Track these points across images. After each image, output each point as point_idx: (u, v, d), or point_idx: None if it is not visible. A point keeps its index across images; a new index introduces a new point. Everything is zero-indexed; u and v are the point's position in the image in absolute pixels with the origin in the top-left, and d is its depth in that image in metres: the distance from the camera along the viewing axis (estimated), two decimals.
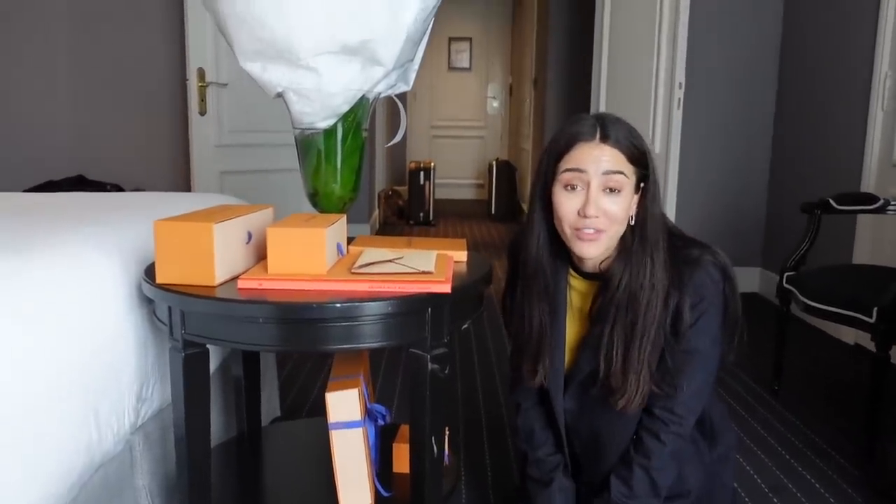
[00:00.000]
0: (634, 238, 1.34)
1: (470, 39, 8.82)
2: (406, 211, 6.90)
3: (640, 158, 1.33)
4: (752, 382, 2.74)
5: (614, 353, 1.33)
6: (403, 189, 7.07)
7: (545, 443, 1.55)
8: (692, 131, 3.82)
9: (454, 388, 2.67)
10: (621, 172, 1.30)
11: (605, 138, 1.30)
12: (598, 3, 4.32)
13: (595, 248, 1.32)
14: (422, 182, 6.76)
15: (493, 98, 9.00)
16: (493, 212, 7.23)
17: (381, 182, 6.79)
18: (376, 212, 6.35)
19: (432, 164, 6.92)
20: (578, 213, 1.30)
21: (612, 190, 1.30)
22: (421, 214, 6.78)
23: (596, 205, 1.29)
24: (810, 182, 3.65)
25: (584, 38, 4.79)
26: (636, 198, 1.35)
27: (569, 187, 1.31)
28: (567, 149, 1.32)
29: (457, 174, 8.88)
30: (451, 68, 8.87)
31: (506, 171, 7.23)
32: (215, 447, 1.64)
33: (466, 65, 8.87)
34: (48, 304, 1.16)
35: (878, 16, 3.12)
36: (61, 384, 1.13)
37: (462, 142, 8.97)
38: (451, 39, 8.78)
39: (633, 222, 1.35)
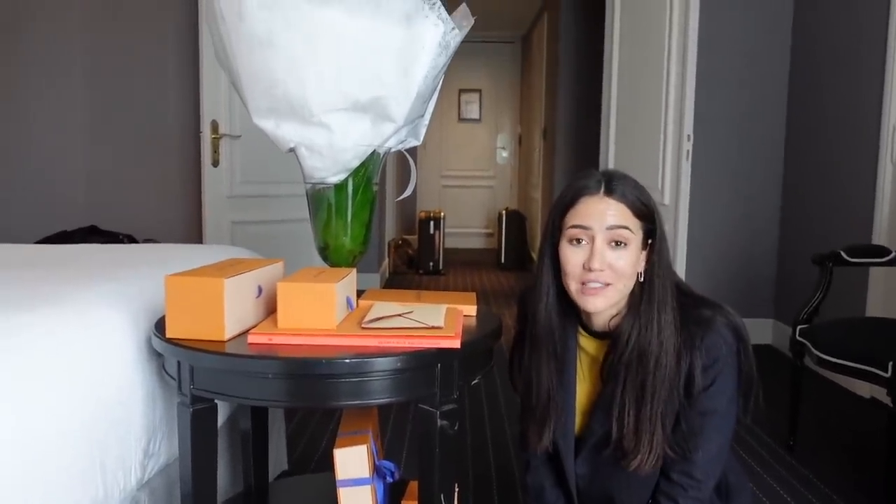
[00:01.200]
0: (643, 295, 1.33)
1: (480, 91, 8.94)
2: (416, 260, 6.91)
3: (646, 214, 1.33)
4: (767, 437, 2.69)
5: (626, 413, 1.31)
6: (413, 238, 7.09)
7: (556, 502, 1.52)
8: (701, 183, 3.83)
9: (464, 442, 2.64)
10: (626, 227, 1.30)
11: (609, 192, 1.31)
12: (606, 54, 4.38)
13: (601, 302, 1.31)
14: (431, 231, 6.79)
15: (503, 148, 9.09)
16: (502, 261, 7.23)
17: (391, 231, 6.82)
18: (386, 261, 6.37)
19: (442, 214, 6.96)
20: (584, 267, 1.30)
21: (617, 244, 1.30)
22: (431, 263, 6.78)
23: (601, 258, 1.29)
24: (821, 233, 3.64)
25: (593, 89, 4.84)
26: (644, 254, 1.34)
27: (574, 241, 1.31)
28: (572, 203, 1.32)
29: (466, 223, 8.92)
30: (461, 119, 8.98)
31: (515, 220, 7.26)
32: (222, 503, 1.62)
33: (476, 116, 8.98)
34: (54, 359, 1.17)
35: (886, 67, 3.15)
36: (66, 439, 1.13)
37: (472, 191, 9.03)
38: (461, 91, 8.91)
39: (641, 279, 1.35)
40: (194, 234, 4.10)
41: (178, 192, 4.24)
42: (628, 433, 1.31)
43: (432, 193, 8.89)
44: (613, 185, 1.31)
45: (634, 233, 1.31)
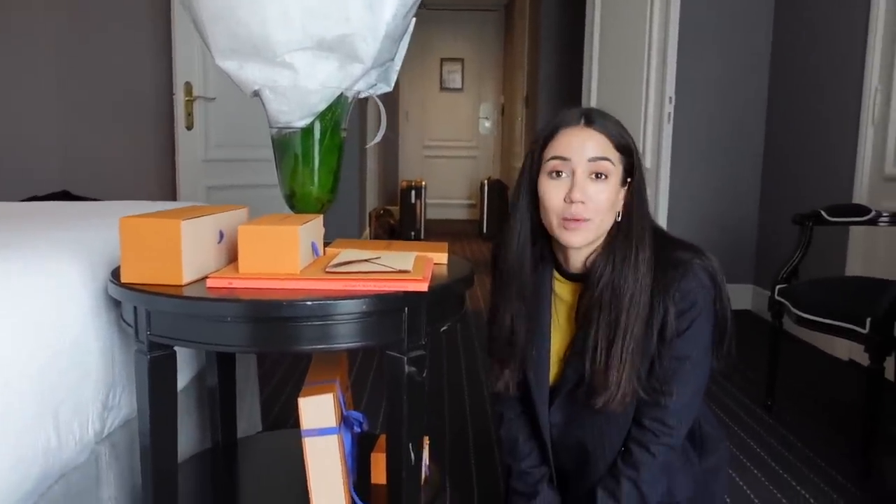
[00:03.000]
0: (619, 232, 1.30)
1: (462, 60, 8.84)
2: (397, 230, 6.86)
3: (626, 147, 1.30)
4: (745, 398, 2.69)
5: (598, 352, 1.29)
6: (395, 208, 7.04)
7: (529, 454, 1.49)
8: (682, 146, 3.81)
9: (441, 403, 2.61)
10: (607, 159, 1.27)
11: (590, 123, 1.28)
12: (587, 20, 4.32)
13: (581, 237, 1.28)
14: (413, 201, 6.74)
15: (485, 118, 9.01)
16: (484, 231, 7.19)
17: (372, 201, 6.75)
18: (367, 230, 6.31)
19: (423, 183, 6.90)
20: (564, 200, 1.26)
21: (598, 176, 1.27)
22: (412, 233, 6.74)
23: (582, 190, 1.26)
24: (802, 196, 3.62)
25: (575, 56, 4.79)
26: (622, 193, 1.31)
27: (554, 174, 1.28)
28: (552, 135, 1.29)
29: (448, 194, 8.86)
30: (443, 88, 8.88)
31: (497, 190, 7.21)
32: (188, 459, 1.58)
33: (458, 85, 8.88)
34: (5, 306, 1.11)
35: (868, 30, 3.12)
36: (15, 386, 1.08)
37: (454, 161, 8.96)
38: (443, 60, 8.80)
39: (619, 218, 1.31)
40: (169, 200, 4.02)
41: (151, 156, 4.15)
42: (599, 370, 1.28)
43: (414, 163, 8.82)
44: (593, 117, 1.29)
45: (615, 165, 1.28)
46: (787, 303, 2.41)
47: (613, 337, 1.28)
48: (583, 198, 1.26)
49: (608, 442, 1.36)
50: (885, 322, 2.01)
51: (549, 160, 1.29)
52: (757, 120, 4.07)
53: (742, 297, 4.07)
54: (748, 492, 1.97)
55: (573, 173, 1.27)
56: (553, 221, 1.30)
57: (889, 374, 2.22)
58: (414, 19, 1.49)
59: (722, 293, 1.32)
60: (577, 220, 1.27)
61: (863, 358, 2.16)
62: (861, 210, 2.61)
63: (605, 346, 1.28)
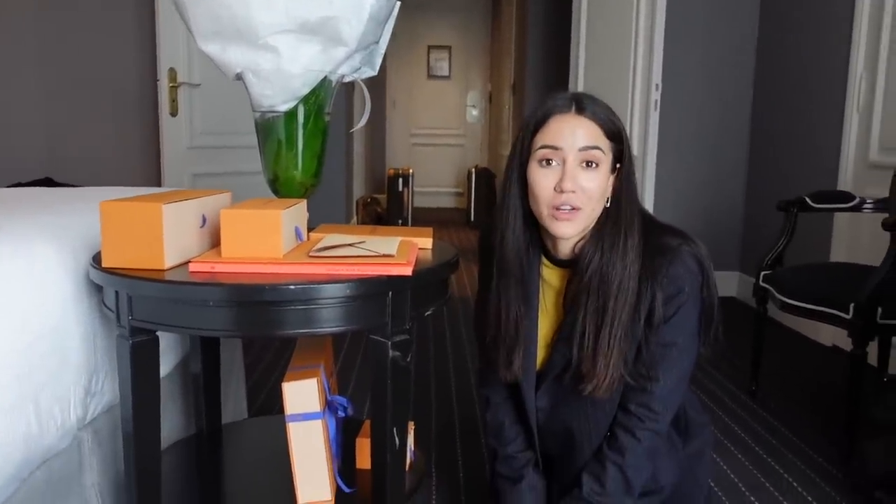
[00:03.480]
0: (608, 218, 1.30)
1: (449, 48, 8.80)
2: (384, 218, 6.84)
3: (616, 134, 1.29)
4: (730, 384, 2.70)
5: (586, 337, 1.29)
6: (382, 197, 7.02)
7: (515, 439, 1.49)
8: (668, 134, 3.81)
9: (427, 388, 2.61)
10: (598, 148, 1.26)
11: (581, 111, 1.27)
12: (574, 7, 4.31)
13: (571, 228, 1.28)
14: (400, 189, 6.72)
15: (473, 106, 8.99)
16: (472, 219, 7.18)
17: (359, 189, 6.73)
18: (354, 219, 6.29)
19: (411, 171, 6.88)
20: (555, 189, 1.26)
21: (588, 164, 1.26)
22: (399, 221, 6.72)
23: (573, 179, 1.25)
24: (787, 183, 3.64)
25: (562, 43, 4.78)
26: (612, 179, 1.30)
27: (544, 162, 1.27)
28: (542, 122, 1.28)
29: (436, 182, 8.84)
30: (430, 76, 8.85)
31: (485, 178, 7.20)
32: (171, 445, 1.58)
33: (446, 73, 8.85)
34: None
35: (854, 17, 3.12)
36: None
37: (441, 150, 8.93)
38: (430, 48, 8.77)
39: (608, 204, 1.31)
40: (153, 187, 3.99)
41: (136, 143, 4.11)
42: (587, 356, 1.28)
43: (401, 152, 8.79)
44: (584, 103, 1.27)
45: (605, 154, 1.27)
46: (771, 289, 2.42)
47: (601, 323, 1.27)
48: (574, 187, 1.25)
49: (594, 427, 1.36)
50: (868, 307, 2.02)
51: (539, 148, 1.27)
52: (743, 107, 4.07)
53: (727, 283, 4.09)
54: (732, 476, 1.99)
55: (563, 162, 1.26)
56: (543, 211, 1.28)
57: (872, 359, 2.24)
58: (398, 2, 1.47)
59: (709, 279, 1.31)
60: (568, 210, 1.26)
61: (846, 343, 2.18)
62: (845, 197, 2.62)
63: (592, 332, 1.28)
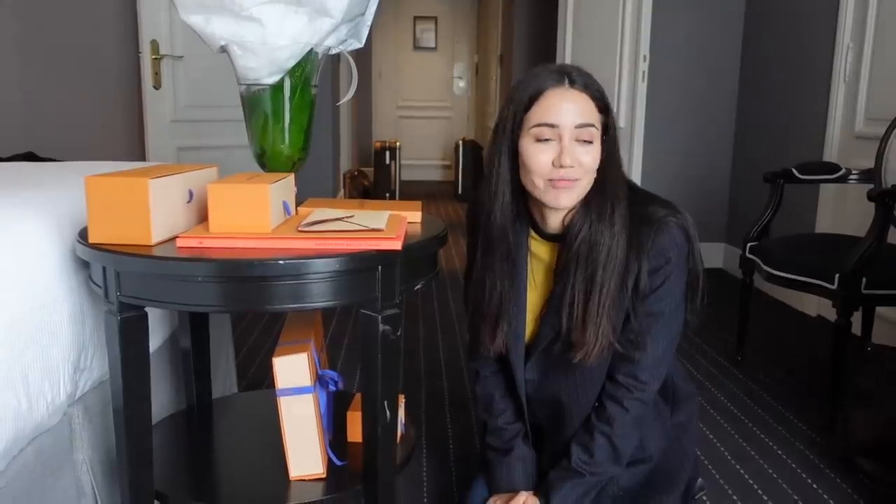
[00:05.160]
0: (596, 188, 1.30)
1: (435, 19, 8.71)
2: (371, 191, 6.81)
3: (605, 106, 1.30)
4: (716, 354, 2.73)
5: (575, 306, 1.30)
6: (369, 170, 6.98)
7: (505, 411, 1.51)
8: (655, 105, 3.80)
9: (416, 361, 2.62)
10: (592, 125, 1.27)
11: (572, 83, 1.27)
12: None
13: (569, 198, 1.28)
14: (387, 162, 6.68)
15: (460, 78, 8.92)
16: (459, 192, 7.17)
17: (346, 163, 6.69)
18: (341, 192, 6.26)
19: (398, 144, 6.84)
20: (553, 164, 1.26)
21: (584, 141, 1.26)
22: (387, 195, 6.70)
23: (571, 155, 1.25)
24: (773, 155, 3.65)
25: (550, 14, 4.74)
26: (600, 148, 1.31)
27: (541, 139, 1.27)
28: (536, 98, 1.27)
29: (423, 155, 8.79)
30: (416, 48, 8.76)
31: (472, 151, 7.17)
32: (162, 420, 1.58)
33: (432, 44, 8.77)
34: None
35: None
36: None
37: (428, 122, 8.88)
38: (416, 18, 8.67)
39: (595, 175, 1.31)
40: (138, 161, 3.95)
41: (119, 117, 4.06)
42: (576, 325, 1.29)
43: (388, 124, 8.73)
44: (574, 76, 1.27)
45: (598, 128, 1.28)
46: (757, 260, 2.44)
47: (590, 292, 1.28)
48: (573, 162, 1.25)
49: (583, 396, 1.37)
50: (852, 278, 2.04)
51: (534, 126, 1.27)
52: (730, 78, 4.07)
53: (714, 255, 4.11)
54: (718, 445, 2.02)
55: (560, 138, 1.26)
56: (539, 184, 1.28)
57: (856, 329, 2.27)
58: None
59: (695, 250, 1.32)
60: (567, 179, 1.26)
61: (831, 313, 2.20)
62: (831, 168, 2.64)
63: (581, 301, 1.29)
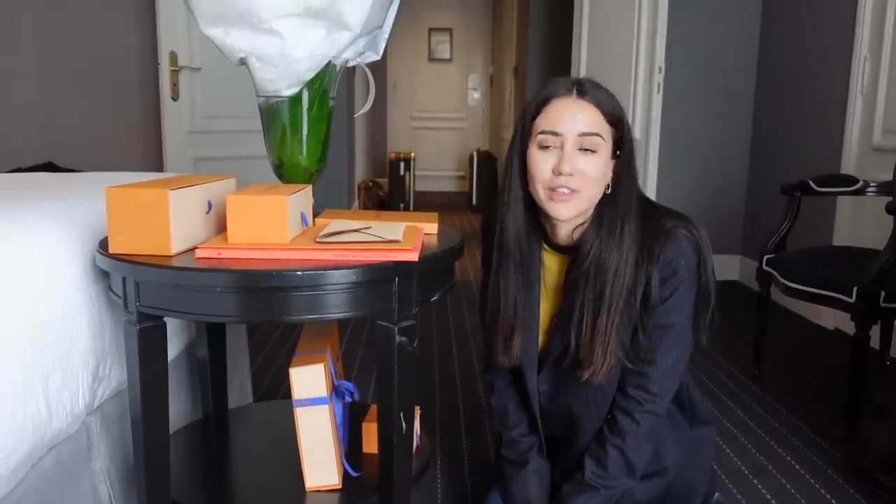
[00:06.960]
0: (608, 205, 1.30)
1: (450, 30, 8.74)
2: (386, 202, 6.83)
3: (617, 120, 1.29)
4: (732, 368, 2.71)
5: (584, 324, 1.29)
6: (384, 180, 7.01)
7: (519, 423, 1.51)
8: (671, 116, 3.79)
9: (431, 372, 2.62)
10: (597, 134, 1.26)
11: (582, 95, 1.27)
12: None
13: (568, 210, 1.28)
14: (402, 172, 6.70)
15: (474, 89, 8.94)
16: (474, 202, 7.17)
17: (361, 173, 6.72)
18: (356, 203, 6.28)
19: (412, 155, 6.86)
20: (553, 172, 1.26)
21: (587, 150, 1.26)
22: (401, 205, 6.72)
23: (570, 163, 1.25)
24: (790, 166, 3.63)
25: (565, 25, 4.75)
26: (612, 164, 1.30)
27: (543, 146, 1.27)
28: (543, 106, 1.28)
29: (438, 166, 8.80)
30: (431, 59, 8.79)
31: (487, 162, 7.18)
32: (179, 430, 1.59)
33: (447, 56, 8.79)
34: None
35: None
36: (4, 358, 1.07)
37: (443, 133, 8.89)
38: (431, 30, 8.70)
39: (608, 191, 1.31)
40: (156, 172, 3.98)
41: (137, 128, 4.10)
42: (584, 343, 1.29)
43: (403, 135, 8.75)
44: (585, 88, 1.28)
45: (605, 140, 1.27)
46: (774, 273, 2.42)
47: (598, 311, 1.28)
48: (571, 170, 1.25)
49: (595, 409, 1.37)
50: (871, 291, 2.02)
51: (538, 133, 1.28)
52: (746, 90, 4.05)
53: (730, 267, 4.09)
54: (735, 458, 2.00)
55: (562, 146, 1.26)
56: (541, 192, 1.29)
57: (874, 343, 2.25)
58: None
59: (705, 262, 1.31)
60: (566, 192, 1.26)
61: (849, 326, 2.18)
62: (849, 180, 2.62)
63: (590, 319, 1.29)
